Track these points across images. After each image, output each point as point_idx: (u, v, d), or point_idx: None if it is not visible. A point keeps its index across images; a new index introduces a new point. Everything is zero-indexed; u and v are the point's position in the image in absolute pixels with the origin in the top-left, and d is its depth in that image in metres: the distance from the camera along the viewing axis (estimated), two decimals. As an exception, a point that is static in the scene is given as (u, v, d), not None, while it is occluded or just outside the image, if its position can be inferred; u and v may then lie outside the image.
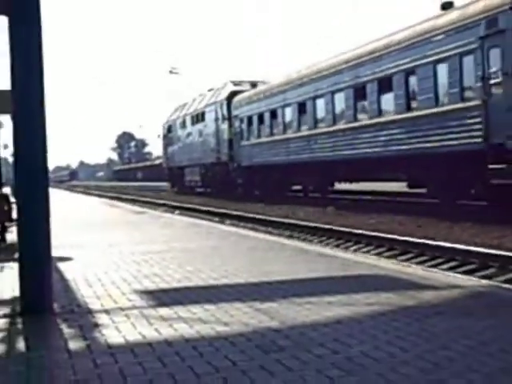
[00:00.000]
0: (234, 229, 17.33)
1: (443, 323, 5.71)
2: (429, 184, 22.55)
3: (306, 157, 30.51)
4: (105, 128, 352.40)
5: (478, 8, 18.95)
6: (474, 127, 18.88)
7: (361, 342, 5.21)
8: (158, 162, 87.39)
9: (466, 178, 19.92)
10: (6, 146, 47.54)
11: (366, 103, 25.38)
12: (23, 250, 6.95)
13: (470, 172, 19.63)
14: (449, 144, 20.14)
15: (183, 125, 51.36)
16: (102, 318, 6.37)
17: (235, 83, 41.92)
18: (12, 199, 12.86)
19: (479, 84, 18.56)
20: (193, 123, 48.42)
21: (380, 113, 24.38)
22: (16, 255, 7.71)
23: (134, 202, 42.04)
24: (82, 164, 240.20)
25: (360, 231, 17.07)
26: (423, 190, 23.47)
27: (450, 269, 12.08)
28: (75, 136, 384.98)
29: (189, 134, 49.48)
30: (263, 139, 35.82)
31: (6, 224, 13.49)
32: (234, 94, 40.49)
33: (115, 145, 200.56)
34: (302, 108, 31.03)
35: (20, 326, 6.38)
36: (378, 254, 14.30)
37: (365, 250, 15.38)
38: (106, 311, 6.70)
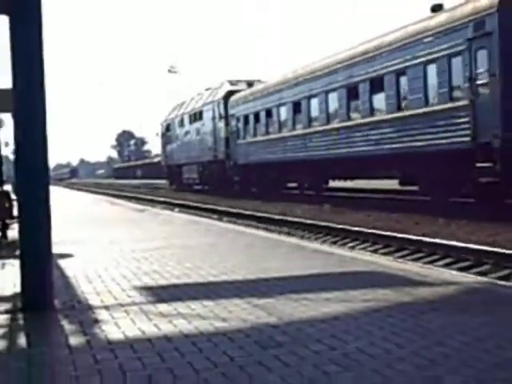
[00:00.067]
0: (232, 226, 17.34)
1: (439, 319, 5.72)
2: (420, 182, 22.78)
3: (300, 155, 30.73)
4: (105, 126, 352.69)
5: (466, 11, 19.22)
6: (462, 126, 19.14)
7: (357, 338, 5.21)
8: (157, 159, 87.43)
9: (456, 176, 20.10)
10: (6, 144, 47.45)
11: (358, 103, 25.64)
12: (24, 246, 6.95)
13: (459, 170, 19.82)
14: (438, 143, 20.37)
15: (181, 123, 51.51)
16: (102, 314, 6.38)
17: (232, 83, 42.17)
18: (13, 196, 12.86)
19: (467, 84, 18.85)
20: (191, 122, 48.60)
21: (372, 112, 24.66)
22: (17, 252, 7.72)
23: (133, 199, 42.03)
24: (82, 162, 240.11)
25: (357, 228, 17.08)
26: (415, 188, 23.69)
27: (446, 265, 12.08)
28: (76, 134, 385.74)
29: (187, 133, 49.64)
30: (259, 138, 36.03)
31: (7, 221, 13.49)
32: (230, 93, 40.70)
33: (115, 143, 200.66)
34: (296, 107, 31.25)
35: (21, 322, 6.38)
36: (375, 251, 14.30)
37: (361, 246, 15.39)
38: (106, 307, 6.70)
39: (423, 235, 14.98)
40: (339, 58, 27.29)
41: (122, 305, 6.80)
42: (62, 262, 10.08)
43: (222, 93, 41.82)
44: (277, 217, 22.24)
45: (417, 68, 21.51)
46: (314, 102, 29.43)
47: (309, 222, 19.82)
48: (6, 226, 13.56)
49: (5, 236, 13.48)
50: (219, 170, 42.21)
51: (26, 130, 6.86)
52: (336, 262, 9.30)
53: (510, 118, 17.39)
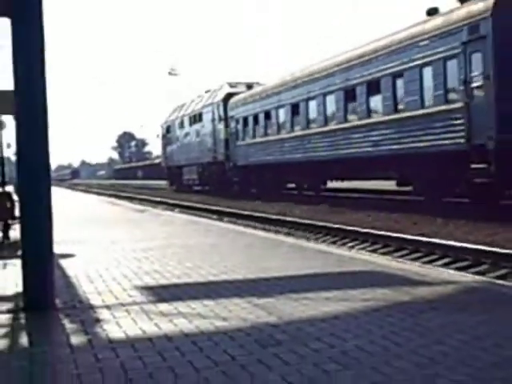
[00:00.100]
0: (232, 226, 17.34)
1: (437, 318, 5.72)
2: (415, 182, 22.96)
3: (299, 156, 30.85)
4: (106, 128, 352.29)
5: (461, 14, 19.38)
6: (457, 128, 19.26)
7: (356, 336, 5.21)
8: (157, 161, 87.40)
9: (451, 176, 20.22)
10: (8, 146, 47.47)
11: (355, 105, 25.78)
12: (26, 247, 6.95)
13: (454, 171, 19.95)
14: (434, 144, 20.49)
15: (181, 125, 51.65)
16: (103, 314, 6.38)
17: (231, 85, 42.30)
18: (15, 197, 12.86)
19: (462, 87, 18.99)
20: (190, 124, 48.75)
21: (369, 114, 24.79)
22: (19, 252, 7.73)
23: (134, 200, 42.04)
24: (83, 163, 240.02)
25: (356, 228, 17.08)
26: (410, 188, 23.83)
27: (445, 265, 12.07)
28: (77, 135, 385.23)
29: (187, 134, 49.78)
30: (258, 139, 36.17)
31: (9, 222, 13.48)
32: (230, 95, 40.84)
33: (116, 144, 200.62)
34: (295, 109, 31.41)
35: (23, 321, 6.38)
36: (374, 251, 14.30)
37: (360, 246, 15.39)
38: (107, 307, 6.70)
39: (422, 235, 14.98)
40: (337, 60, 27.42)
41: (122, 304, 6.80)
42: (64, 262, 10.08)
43: (221, 95, 41.94)
44: (276, 217, 22.24)
45: (413, 71, 21.65)
46: (312, 104, 29.54)
47: (308, 222, 19.82)
48: (7, 227, 13.56)
49: (7, 236, 13.48)
50: (219, 171, 42.29)
51: (28, 132, 6.86)
52: (335, 262, 9.30)
53: (504, 120, 17.51)
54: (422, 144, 21.09)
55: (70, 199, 40.14)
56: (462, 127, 19.02)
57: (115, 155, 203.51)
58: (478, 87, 18.36)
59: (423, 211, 19.97)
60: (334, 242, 16.34)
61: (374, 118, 24.28)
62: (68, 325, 6.03)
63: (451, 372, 4.25)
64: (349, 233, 16.97)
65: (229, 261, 9.66)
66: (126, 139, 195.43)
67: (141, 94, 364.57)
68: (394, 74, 22.73)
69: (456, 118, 19.33)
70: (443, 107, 20.03)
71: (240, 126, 38.69)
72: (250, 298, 6.80)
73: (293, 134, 31.61)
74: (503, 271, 11.13)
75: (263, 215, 23.28)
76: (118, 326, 5.84)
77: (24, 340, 5.67)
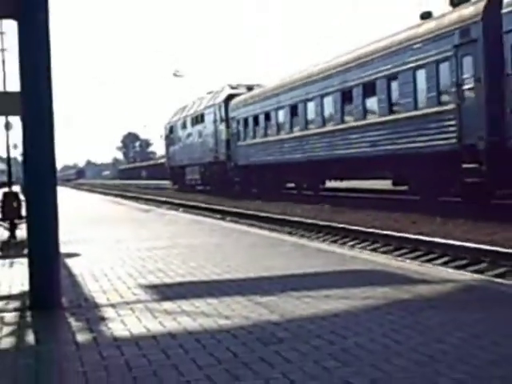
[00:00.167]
0: (235, 226, 17.34)
1: (437, 316, 5.72)
2: (410, 182, 23.20)
3: (298, 156, 31.12)
4: (111, 128, 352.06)
5: (452, 18, 19.68)
6: (449, 129, 19.55)
7: (357, 334, 5.21)
8: (161, 161, 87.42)
9: (444, 176, 20.43)
10: (15, 146, 47.61)
11: (352, 106, 26.07)
12: (32, 246, 6.96)
13: (446, 171, 20.17)
14: (427, 145, 20.77)
15: (184, 126, 51.90)
16: (108, 312, 6.38)
17: (232, 86, 42.64)
18: (21, 197, 12.87)
19: (454, 89, 19.29)
20: (193, 124, 49.02)
21: (365, 115, 25.07)
22: (25, 251, 7.73)
23: (138, 199, 42.06)
24: (88, 163, 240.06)
25: (356, 228, 17.07)
26: (406, 188, 24.10)
27: (444, 264, 12.07)
28: (82, 136, 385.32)
29: (189, 135, 50.03)
30: (258, 140, 36.47)
31: (16, 221, 13.49)
32: (231, 96, 41.15)
33: (120, 144, 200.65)
34: (294, 110, 31.71)
35: (29, 319, 6.39)
36: (374, 250, 14.29)
37: (361, 245, 15.38)
38: (112, 305, 6.71)
39: (421, 234, 14.97)
40: (334, 63, 27.75)
41: (127, 303, 6.80)
42: (69, 261, 10.09)
43: (222, 96, 42.24)
44: (278, 216, 22.24)
45: (407, 73, 21.96)
46: (311, 106, 29.86)
47: (309, 221, 19.82)
48: (14, 226, 13.56)
49: (13, 236, 13.49)
50: (220, 171, 42.51)
51: (34, 133, 6.87)
52: (336, 261, 9.30)
53: (494, 121, 17.73)
54: (415, 144, 21.41)
55: (76, 199, 40.16)
56: (453, 128, 19.33)
57: (120, 155, 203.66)
58: (469, 89, 18.68)
59: (421, 210, 19.99)
60: (334, 241, 16.34)
61: (370, 119, 24.60)
62: (74, 323, 6.04)
63: (451, 370, 4.25)
64: (349, 232, 16.97)
65: (232, 260, 9.67)
66: (130, 139, 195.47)
67: (145, 94, 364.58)
68: (389, 76, 23.06)
69: (448, 119, 19.64)
70: (436, 109, 20.35)
71: (241, 127, 39.01)
72: (252, 297, 6.81)
73: (292, 135, 31.90)
74: (502, 270, 11.12)
75: (266, 215, 23.27)
76: (122, 324, 5.85)
77: (30, 338, 5.68)
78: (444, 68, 19.86)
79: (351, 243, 15.90)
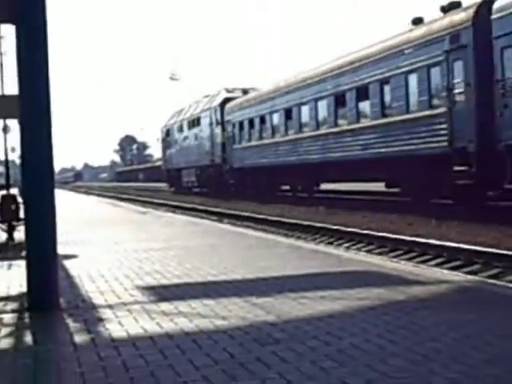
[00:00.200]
0: (231, 227, 17.34)
1: (431, 317, 5.73)
2: (402, 184, 23.45)
3: (292, 159, 31.40)
4: (108, 131, 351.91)
5: (443, 24, 20.01)
6: (441, 132, 19.84)
7: (352, 334, 5.22)
8: (158, 163, 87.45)
9: (435, 178, 20.64)
10: (13, 149, 47.46)
11: (345, 110, 26.34)
12: (30, 248, 6.95)
13: (438, 173, 20.40)
14: (418, 148, 21.05)
15: (180, 129, 52.15)
16: (106, 313, 6.38)
17: (228, 90, 43.05)
18: (19, 199, 12.85)
19: (445, 93, 19.60)
20: (189, 128, 49.30)
21: (358, 119, 25.34)
22: (23, 253, 7.72)
23: (135, 201, 42.04)
24: (86, 166, 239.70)
25: (352, 229, 17.09)
26: (398, 190, 24.41)
27: (438, 265, 12.09)
28: (80, 139, 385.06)
29: (185, 138, 50.27)
30: (253, 143, 36.75)
31: (14, 223, 13.47)
32: (226, 100, 41.49)
33: (118, 147, 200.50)
34: (288, 114, 32.02)
35: (27, 320, 6.38)
36: (369, 251, 14.30)
37: (356, 247, 15.39)
38: (110, 306, 6.70)
39: (416, 236, 14.99)
40: (328, 67, 28.03)
41: (124, 304, 6.80)
42: (67, 263, 10.08)
43: (218, 100, 42.59)
44: (274, 218, 22.25)
45: (399, 77, 22.24)
46: (305, 109, 30.17)
47: (305, 223, 19.83)
48: (12, 228, 13.54)
49: (11, 238, 13.47)
50: (216, 174, 42.80)
51: (32, 136, 6.87)
52: (332, 262, 9.31)
53: (484, 124, 17.97)
54: (407, 147, 21.68)
55: (73, 201, 40.11)
56: (445, 131, 19.62)
57: (117, 158, 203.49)
58: (459, 93, 18.98)
59: (416, 212, 20.05)
60: (330, 243, 16.35)
61: (363, 123, 24.89)
62: (71, 324, 6.04)
63: (445, 369, 4.26)
64: (345, 234, 16.98)
65: (228, 261, 9.67)
66: (127, 142, 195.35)
67: (142, 97, 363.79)
68: (382, 80, 23.37)
69: (439, 123, 19.94)
70: (427, 112, 20.65)
71: (236, 130, 39.37)
72: (248, 298, 6.81)
73: (286, 138, 32.20)
74: (495, 271, 11.14)
75: (262, 217, 23.28)
76: (120, 325, 5.85)
77: (28, 339, 5.67)
78: (435, 72, 20.16)
79: (347, 245, 15.91)
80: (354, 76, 25.15)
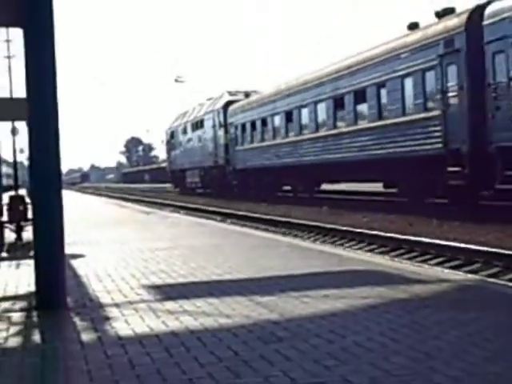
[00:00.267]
0: (235, 227, 17.33)
1: (433, 315, 5.71)
2: (400, 184, 23.71)
3: (293, 160, 31.72)
4: (114, 133, 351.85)
5: (437, 29, 20.33)
6: (435, 134, 20.12)
7: (355, 333, 5.20)
8: (163, 165, 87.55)
9: (430, 179, 20.84)
10: (21, 151, 47.65)
11: (344, 112, 26.61)
12: (38, 247, 6.95)
13: (433, 174, 20.60)
14: (414, 149, 21.30)
15: (184, 131, 52.43)
16: (113, 312, 6.38)
17: (231, 93, 43.37)
18: (27, 200, 12.86)
19: (439, 96, 19.90)
20: (193, 130, 49.59)
21: (356, 121, 25.63)
22: (32, 253, 7.72)
23: (141, 202, 42.07)
24: (93, 167, 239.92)
25: (354, 229, 17.07)
26: (395, 190, 24.67)
27: (439, 264, 12.06)
28: (87, 140, 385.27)
29: (189, 140, 50.53)
30: (255, 144, 37.04)
31: (22, 223, 13.48)
32: (229, 103, 41.82)
33: (124, 149, 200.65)
34: (289, 116, 32.37)
35: (35, 319, 6.39)
36: (371, 251, 14.28)
37: (358, 246, 15.37)
38: (116, 305, 6.70)
39: (417, 235, 14.96)
40: (327, 71, 28.35)
41: (131, 302, 6.80)
42: (74, 262, 10.09)
43: (221, 102, 42.91)
44: (277, 218, 22.23)
45: (395, 81, 22.51)
46: (305, 112, 30.46)
47: (309, 223, 19.82)
48: (20, 228, 13.55)
49: (20, 238, 13.48)
50: (219, 175, 43.05)
51: (40, 138, 6.87)
52: (334, 261, 9.29)
53: (476, 126, 18.23)
54: (403, 149, 21.95)
55: (81, 202, 40.15)
56: (439, 133, 19.90)
57: (123, 159, 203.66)
58: (453, 97, 19.29)
59: (413, 212, 20.12)
60: (333, 243, 16.33)
61: (361, 125, 25.18)
62: (79, 322, 6.03)
63: (447, 367, 4.24)
64: (347, 233, 16.96)
65: (232, 261, 9.66)
66: (133, 144, 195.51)
67: (148, 100, 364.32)
68: (379, 83, 23.65)
69: (434, 125, 20.20)
70: (422, 115, 20.92)
71: (239, 132, 39.72)
72: (252, 297, 6.80)
73: (287, 140, 32.55)
74: (495, 270, 11.12)
75: (265, 217, 23.27)
76: (126, 324, 5.84)
77: (36, 337, 5.67)
78: (430, 76, 20.44)
79: (349, 244, 15.89)
80: (352, 79, 25.46)
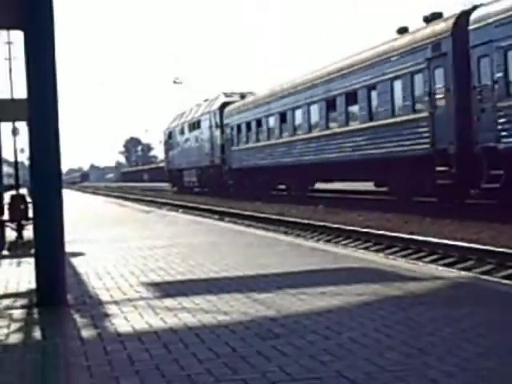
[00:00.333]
0: (232, 226, 17.34)
1: (427, 312, 5.72)
2: (390, 183, 24.07)
3: (287, 160, 32.06)
4: (113, 133, 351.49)
5: (425, 33, 20.72)
6: (423, 135, 20.48)
7: (350, 329, 5.21)
8: (162, 164, 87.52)
9: (420, 178, 21.14)
10: (22, 151, 47.63)
11: (336, 114, 26.95)
12: (39, 246, 6.95)
13: (422, 173, 20.92)
14: (403, 149, 21.62)
15: (182, 132, 52.69)
16: (112, 309, 6.37)
17: (227, 94, 43.73)
18: (28, 199, 12.85)
19: (427, 98, 20.24)
20: (190, 130, 49.85)
21: (348, 122, 25.98)
22: (32, 251, 7.72)
23: (140, 201, 42.05)
24: (92, 166, 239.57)
25: (350, 227, 17.07)
26: (386, 189, 25.14)
27: (433, 261, 12.08)
28: (86, 140, 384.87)
29: (187, 140, 50.78)
30: (250, 145, 37.38)
31: (23, 222, 13.47)
32: (225, 104, 42.14)
33: (123, 149, 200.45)
34: (283, 117, 32.76)
35: (36, 316, 6.38)
36: (367, 249, 14.29)
37: (354, 244, 15.37)
38: (116, 302, 6.70)
39: (412, 233, 14.98)
40: (319, 73, 28.70)
41: (130, 300, 6.79)
42: (74, 260, 10.08)
43: (217, 104, 43.21)
44: (274, 217, 22.25)
45: (385, 83, 22.86)
46: (298, 113, 30.81)
47: (305, 221, 19.83)
48: (21, 227, 13.54)
49: (21, 236, 13.47)
50: (216, 174, 43.37)
51: (40, 138, 6.86)
52: (330, 259, 9.30)
53: (462, 128, 18.54)
54: (393, 149, 22.24)
55: (80, 201, 40.12)
56: (427, 134, 20.24)
57: (122, 159, 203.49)
58: (440, 99, 19.62)
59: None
60: (329, 241, 16.34)
61: (352, 126, 25.52)
62: (79, 319, 6.03)
63: (441, 363, 4.24)
64: (343, 231, 16.97)
65: (230, 259, 9.66)
66: (132, 144, 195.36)
67: (147, 100, 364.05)
68: (369, 86, 24.02)
69: (422, 126, 20.55)
70: (411, 116, 21.29)
71: (234, 133, 40.09)
72: (249, 294, 6.80)
73: (281, 140, 32.92)
74: (488, 267, 11.13)
75: (262, 215, 23.27)
76: (125, 320, 5.84)
77: (37, 334, 5.67)
78: (418, 79, 20.78)
79: (344, 242, 15.89)
80: (344, 82, 25.80)
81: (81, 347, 5.03)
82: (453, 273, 8.89)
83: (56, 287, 6.81)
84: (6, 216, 13.40)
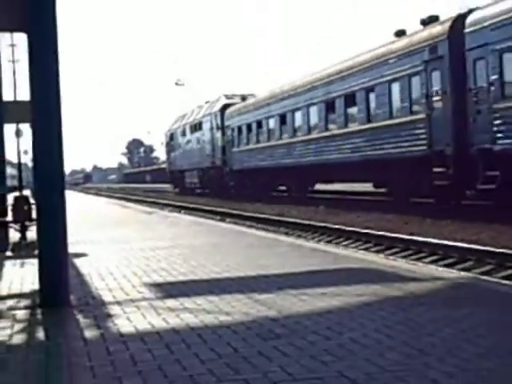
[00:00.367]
0: (233, 227, 17.33)
1: (427, 312, 5.71)
2: (388, 184, 24.21)
3: (287, 161, 32.16)
4: (116, 135, 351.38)
5: (422, 36, 20.88)
6: (421, 136, 20.58)
7: (351, 329, 5.20)
8: (164, 165, 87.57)
9: (418, 179, 21.20)
10: (25, 152, 47.62)
11: (335, 115, 27.05)
12: (42, 247, 6.94)
13: (420, 174, 21.00)
14: (401, 151, 21.70)
15: (183, 133, 52.75)
16: (115, 309, 6.37)
17: (228, 96, 43.88)
18: (32, 201, 12.85)
19: (424, 100, 20.34)
20: (191, 132, 49.96)
21: (347, 124, 26.10)
22: (36, 252, 7.72)
23: (142, 202, 42.07)
24: (95, 168, 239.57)
25: (351, 228, 17.06)
26: (384, 190, 25.27)
27: (433, 262, 12.07)
28: (89, 142, 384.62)
29: (188, 142, 50.87)
30: (251, 146, 37.51)
31: (27, 223, 13.47)
32: (226, 106, 42.27)
33: (126, 150, 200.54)
34: (283, 119, 32.89)
35: (39, 317, 6.38)
36: (367, 249, 14.28)
37: (354, 245, 15.36)
38: (118, 303, 6.69)
39: (412, 234, 14.97)
40: (318, 76, 28.82)
41: (132, 300, 6.79)
42: (77, 261, 10.08)
43: (218, 106, 43.31)
44: (275, 218, 22.24)
45: (383, 85, 22.99)
46: (298, 115, 30.91)
47: (305, 222, 19.82)
48: (25, 228, 13.53)
49: (24, 237, 13.46)
50: (217, 175, 43.45)
51: (43, 139, 6.86)
52: (331, 260, 9.29)
53: (459, 129, 18.62)
54: (392, 150, 22.33)
55: (83, 202, 40.13)
56: (424, 135, 20.34)
57: (125, 160, 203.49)
58: (437, 101, 19.72)
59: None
60: (329, 241, 16.32)
61: (351, 127, 25.62)
62: (82, 320, 6.03)
63: (441, 363, 4.24)
64: (344, 232, 16.96)
65: (231, 259, 9.66)
66: (135, 145, 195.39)
67: (149, 101, 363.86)
68: (367, 88, 24.14)
69: (419, 128, 20.63)
70: (409, 118, 21.38)
71: (235, 134, 40.21)
72: (251, 294, 6.80)
73: (281, 142, 33.04)
74: (488, 267, 11.13)
75: (263, 216, 23.27)
76: (128, 321, 5.84)
77: (40, 334, 5.66)
78: (416, 81, 20.88)
79: (345, 243, 15.88)
80: (343, 84, 25.89)
81: (84, 347, 5.03)
82: (453, 273, 8.89)
83: (59, 288, 6.81)
84: (9, 217, 13.40)
